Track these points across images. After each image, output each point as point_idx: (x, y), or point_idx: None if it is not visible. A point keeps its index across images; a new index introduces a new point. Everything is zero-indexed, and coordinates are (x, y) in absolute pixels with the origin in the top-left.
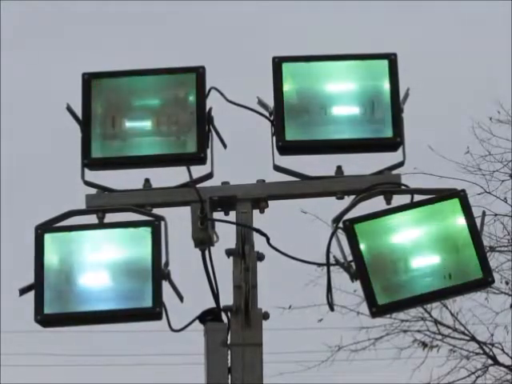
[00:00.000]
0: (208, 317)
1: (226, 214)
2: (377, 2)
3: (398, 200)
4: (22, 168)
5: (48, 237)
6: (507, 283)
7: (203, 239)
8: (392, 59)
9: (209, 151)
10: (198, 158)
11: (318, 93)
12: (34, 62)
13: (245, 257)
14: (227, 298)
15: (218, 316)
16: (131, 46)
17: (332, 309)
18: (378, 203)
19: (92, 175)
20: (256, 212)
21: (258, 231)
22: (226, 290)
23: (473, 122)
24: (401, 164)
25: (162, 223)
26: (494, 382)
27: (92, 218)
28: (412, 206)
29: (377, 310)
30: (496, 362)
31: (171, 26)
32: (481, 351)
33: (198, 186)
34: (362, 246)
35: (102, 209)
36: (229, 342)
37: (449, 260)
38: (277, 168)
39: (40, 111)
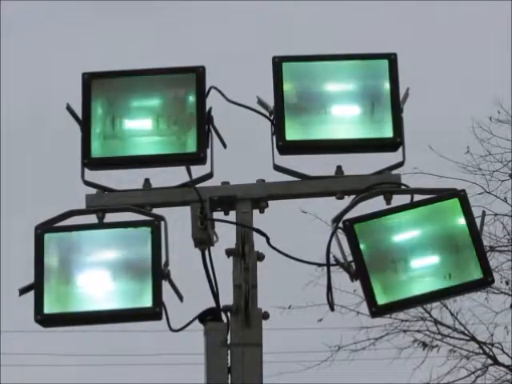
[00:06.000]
0: (208, 317)
1: (226, 213)
2: (377, 2)
3: (398, 200)
4: (22, 168)
5: (48, 237)
6: (507, 283)
7: (203, 239)
8: (392, 59)
9: (209, 151)
10: (198, 157)
11: (318, 93)
12: (34, 62)
13: (245, 257)
14: (227, 298)
15: (217, 316)
16: (131, 46)
17: (332, 309)
18: (378, 203)
19: (92, 175)
20: (256, 212)
21: (258, 231)
22: (225, 290)
23: (473, 122)
24: (401, 164)
25: (162, 223)
26: (493, 381)
27: (92, 218)
28: (412, 205)
29: (377, 310)
30: (496, 362)
31: (171, 25)
32: (481, 351)
33: (197, 185)
34: (362, 246)
35: (102, 209)
36: (229, 341)
37: (449, 260)
38: (277, 168)
39: (40, 111)
